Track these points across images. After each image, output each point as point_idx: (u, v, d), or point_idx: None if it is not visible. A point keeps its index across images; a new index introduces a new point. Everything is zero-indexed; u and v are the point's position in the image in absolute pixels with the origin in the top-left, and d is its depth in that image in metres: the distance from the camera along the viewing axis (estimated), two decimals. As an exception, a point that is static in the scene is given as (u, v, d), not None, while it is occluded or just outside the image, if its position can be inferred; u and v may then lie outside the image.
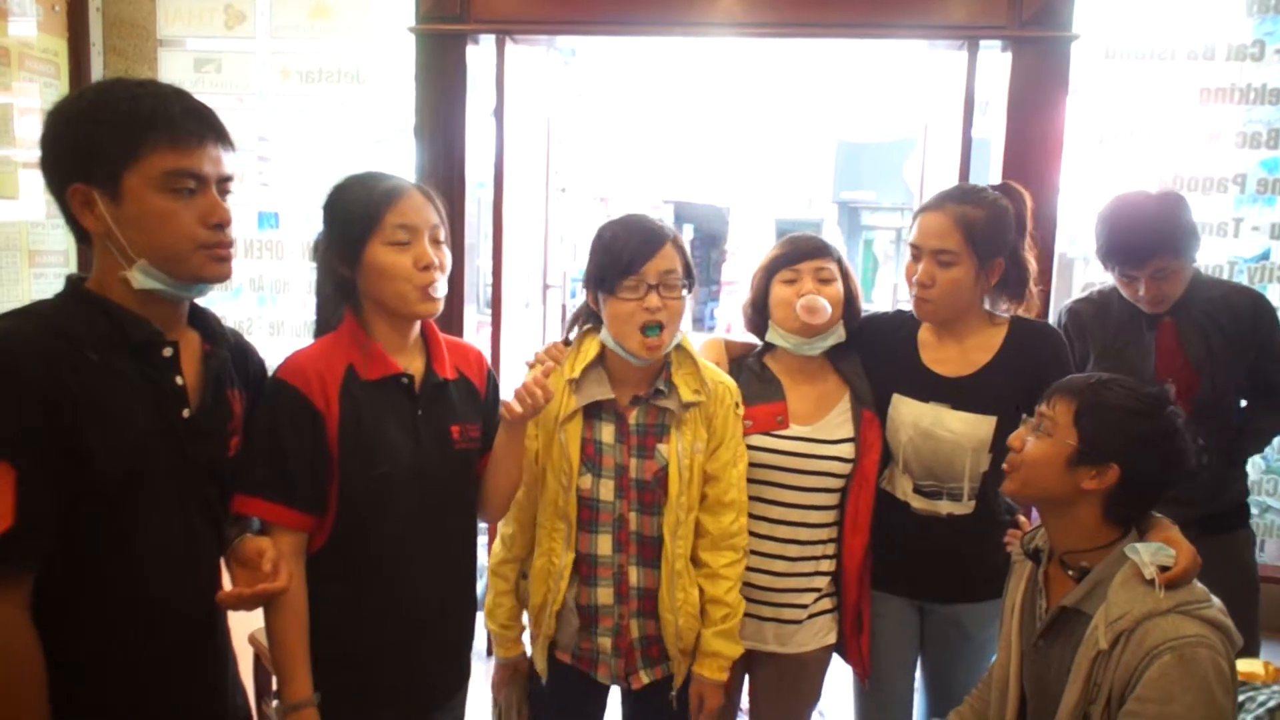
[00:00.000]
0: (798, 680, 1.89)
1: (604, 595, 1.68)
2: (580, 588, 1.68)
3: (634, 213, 1.67)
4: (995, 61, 2.84)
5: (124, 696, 1.19)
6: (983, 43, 2.81)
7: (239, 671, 1.43)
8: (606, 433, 1.65)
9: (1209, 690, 1.24)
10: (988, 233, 1.76)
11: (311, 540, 1.42)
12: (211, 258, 1.21)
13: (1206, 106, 2.98)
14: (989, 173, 2.87)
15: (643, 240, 1.58)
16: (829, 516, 1.84)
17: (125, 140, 1.13)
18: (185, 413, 1.23)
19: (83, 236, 1.20)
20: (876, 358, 1.88)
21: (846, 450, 1.81)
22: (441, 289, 1.45)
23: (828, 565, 1.86)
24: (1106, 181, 3.02)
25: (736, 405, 1.72)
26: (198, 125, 1.18)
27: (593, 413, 1.64)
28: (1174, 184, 3.01)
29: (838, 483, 1.82)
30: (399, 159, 3.06)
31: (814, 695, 1.94)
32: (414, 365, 1.50)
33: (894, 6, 2.77)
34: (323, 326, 1.53)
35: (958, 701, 1.85)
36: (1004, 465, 1.48)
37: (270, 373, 1.44)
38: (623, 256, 1.56)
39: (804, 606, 1.84)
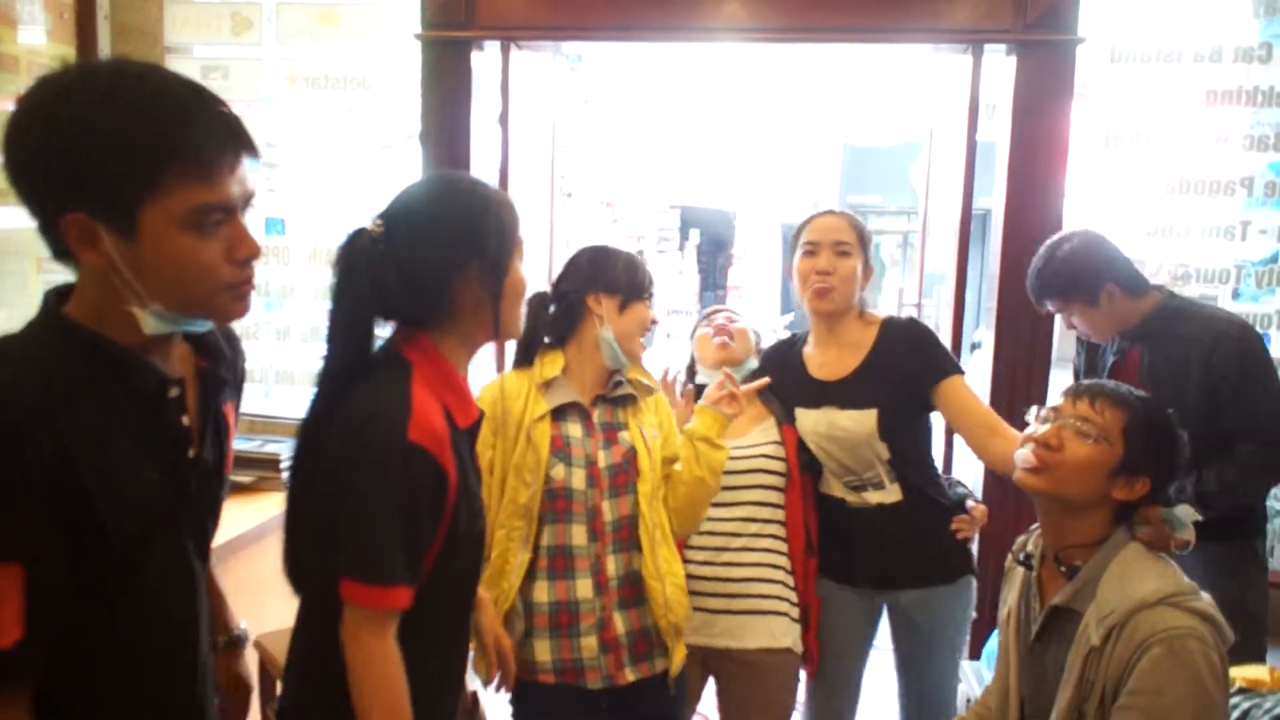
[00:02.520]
0: (760, 686, 1.97)
1: (583, 588, 1.70)
2: (556, 583, 1.70)
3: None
4: (1000, 65, 2.84)
5: None
6: (987, 46, 2.81)
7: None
8: (574, 429, 1.75)
9: (1200, 681, 1.25)
10: (867, 239, 2.05)
11: None
12: (235, 298, 1.02)
13: (1213, 109, 2.97)
14: (994, 176, 2.87)
15: (646, 265, 1.86)
16: (768, 514, 2.00)
17: (144, 167, 0.91)
18: (190, 453, 1.07)
19: (64, 254, 0.98)
20: (778, 380, 2.04)
21: (773, 449, 2.02)
22: None
23: (775, 561, 1.99)
24: (1113, 185, 3.02)
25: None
26: (229, 141, 0.98)
27: (559, 415, 1.74)
28: (1181, 187, 3.00)
29: (772, 480, 2.00)
30: (405, 165, 3.08)
31: (781, 710, 2.00)
32: None
33: (898, 11, 2.77)
34: (363, 347, 1.26)
35: (926, 693, 2.03)
36: (1033, 462, 1.44)
37: (388, 426, 1.15)
38: (647, 275, 1.83)
39: (751, 598, 1.96)
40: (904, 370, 1.98)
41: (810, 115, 13.25)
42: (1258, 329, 3.01)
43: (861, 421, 1.96)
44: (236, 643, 1.42)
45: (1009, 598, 1.57)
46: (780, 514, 2.02)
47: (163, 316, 0.99)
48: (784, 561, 2.01)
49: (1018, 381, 2.82)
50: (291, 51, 3.12)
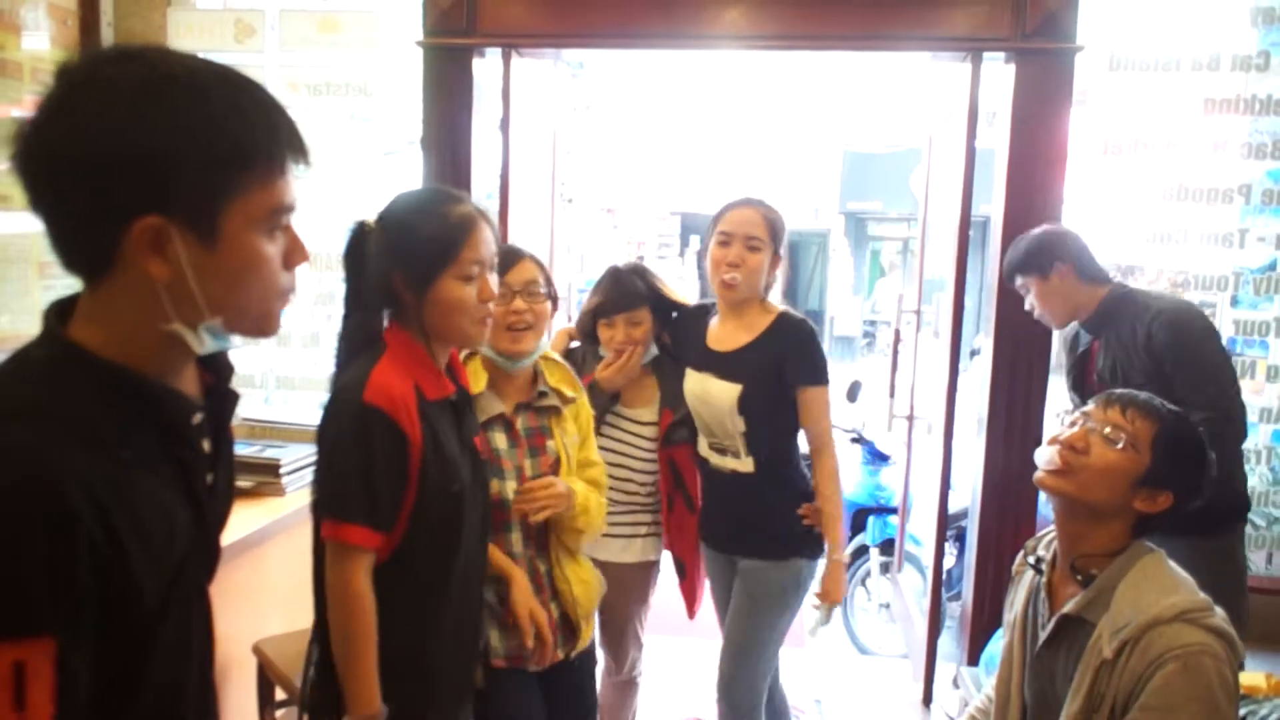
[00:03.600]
0: (631, 582, 2.40)
1: None
2: (500, 587, 1.78)
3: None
4: (1000, 72, 2.85)
5: None
6: (986, 54, 2.81)
7: None
8: (500, 440, 1.82)
9: (1213, 700, 1.24)
10: (779, 231, 2.22)
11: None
12: (284, 307, 0.96)
13: (1211, 117, 2.98)
14: (993, 183, 2.88)
15: (504, 256, 1.78)
16: (644, 478, 2.35)
17: (231, 166, 0.85)
18: (209, 478, 1.00)
19: (93, 271, 0.87)
20: (683, 340, 2.35)
21: (650, 431, 2.33)
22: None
23: (648, 506, 2.39)
24: (1111, 192, 3.03)
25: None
26: (296, 141, 0.93)
27: (486, 427, 1.80)
28: (1179, 194, 3.01)
29: (645, 452, 2.34)
30: (407, 171, 3.09)
31: (642, 596, 2.46)
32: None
33: (897, 18, 2.78)
34: (363, 337, 1.48)
35: (729, 650, 2.28)
36: (1058, 463, 1.43)
37: (346, 392, 1.43)
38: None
39: (630, 526, 2.37)
40: (777, 362, 2.18)
41: (811, 122, 13.28)
42: (1256, 336, 3.03)
43: (727, 392, 2.18)
44: None
45: (1016, 601, 1.57)
46: (653, 478, 2.37)
47: (216, 333, 0.90)
48: (654, 511, 2.40)
49: (1016, 388, 2.83)
50: (293, 58, 3.14)
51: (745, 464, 2.21)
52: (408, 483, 1.43)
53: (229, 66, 0.91)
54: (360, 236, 1.49)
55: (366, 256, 1.47)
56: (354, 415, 1.40)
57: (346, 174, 3.14)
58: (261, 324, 0.95)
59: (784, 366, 2.18)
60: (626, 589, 2.40)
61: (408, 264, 1.45)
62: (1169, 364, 2.21)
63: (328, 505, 1.42)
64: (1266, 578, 3.07)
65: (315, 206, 3.16)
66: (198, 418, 0.95)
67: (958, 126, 2.97)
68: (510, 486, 1.78)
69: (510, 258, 1.82)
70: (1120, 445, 1.40)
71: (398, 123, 3.14)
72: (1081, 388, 2.46)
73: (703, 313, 2.39)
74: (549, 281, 1.89)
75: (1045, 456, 1.45)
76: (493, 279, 1.51)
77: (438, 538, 1.48)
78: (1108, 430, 1.42)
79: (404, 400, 1.41)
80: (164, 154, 0.81)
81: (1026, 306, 2.48)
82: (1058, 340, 2.66)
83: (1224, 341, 2.48)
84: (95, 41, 3.01)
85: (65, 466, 0.79)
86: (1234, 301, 3.05)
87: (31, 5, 2.82)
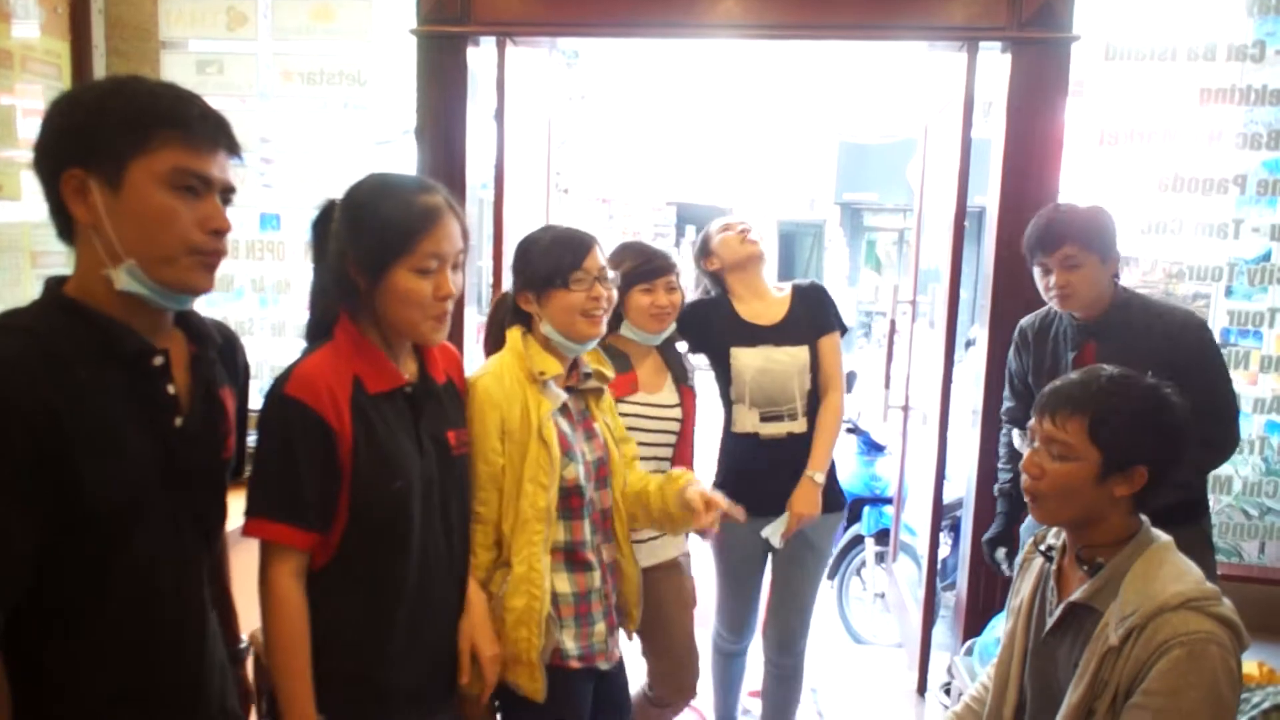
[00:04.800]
0: (668, 584, 2.32)
1: (595, 578, 1.75)
2: (576, 575, 1.72)
3: (553, 225, 1.90)
4: (996, 62, 2.84)
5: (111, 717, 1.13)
6: (982, 44, 2.81)
7: (235, 673, 1.39)
8: (566, 425, 1.74)
9: (1217, 687, 1.24)
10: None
11: (314, 557, 1.39)
12: (200, 265, 1.14)
13: (1207, 107, 2.97)
14: (989, 174, 2.88)
15: (580, 241, 1.76)
16: (664, 465, 2.29)
17: (137, 129, 1.08)
18: (178, 421, 1.17)
19: (65, 231, 1.13)
20: (707, 329, 2.50)
21: (676, 413, 2.32)
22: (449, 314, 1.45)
23: None
24: (1107, 182, 3.02)
25: None
26: (214, 129, 1.14)
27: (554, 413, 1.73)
28: (1174, 184, 3.01)
29: (669, 438, 2.31)
30: (401, 160, 3.07)
31: (688, 598, 2.39)
32: (409, 370, 1.49)
33: (893, 8, 2.77)
34: (320, 322, 1.47)
35: (796, 605, 2.47)
36: (1025, 495, 1.47)
37: (274, 384, 1.38)
38: (567, 255, 1.73)
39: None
40: (812, 319, 2.49)
41: (806, 112, 13.26)
42: (1250, 327, 3.04)
43: (795, 356, 2.44)
44: (234, 656, 1.45)
45: (1023, 588, 1.56)
46: (667, 465, 2.31)
47: (135, 275, 1.10)
48: None
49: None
50: (287, 47, 3.12)
51: (800, 424, 2.44)
52: (340, 479, 1.36)
53: (177, 86, 1.16)
54: (325, 216, 1.46)
55: (328, 237, 1.44)
56: (274, 408, 1.36)
57: (339, 163, 3.12)
58: (174, 273, 1.12)
59: (817, 323, 2.48)
60: (665, 594, 2.30)
61: (360, 247, 1.39)
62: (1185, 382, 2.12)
63: (249, 501, 1.35)
64: (1258, 567, 3.08)
65: (309, 197, 3.14)
66: (158, 360, 1.15)
67: (953, 117, 2.97)
68: (582, 471, 1.71)
69: (585, 245, 1.75)
70: (1063, 457, 1.39)
71: (392, 112, 3.12)
72: None
73: (711, 302, 2.56)
74: None
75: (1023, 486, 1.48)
76: (455, 277, 1.43)
77: (381, 539, 1.40)
78: (1049, 446, 1.42)
79: (330, 392, 1.35)
80: (88, 123, 1.08)
81: (1048, 284, 2.23)
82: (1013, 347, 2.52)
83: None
84: (86, 29, 2.99)
85: (15, 365, 1.01)
86: (1228, 292, 3.05)
87: (22, -7, 2.79)
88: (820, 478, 2.42)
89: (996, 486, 2.55)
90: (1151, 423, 1.38)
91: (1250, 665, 1.62)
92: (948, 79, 3.07)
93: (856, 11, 2.78)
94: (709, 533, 1.77)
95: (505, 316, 1.83)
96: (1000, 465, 2.57)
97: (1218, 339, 2.88)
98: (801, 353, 2.44)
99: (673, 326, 2.32)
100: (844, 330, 2.56)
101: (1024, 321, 2.49)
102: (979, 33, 2.77)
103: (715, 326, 2.49)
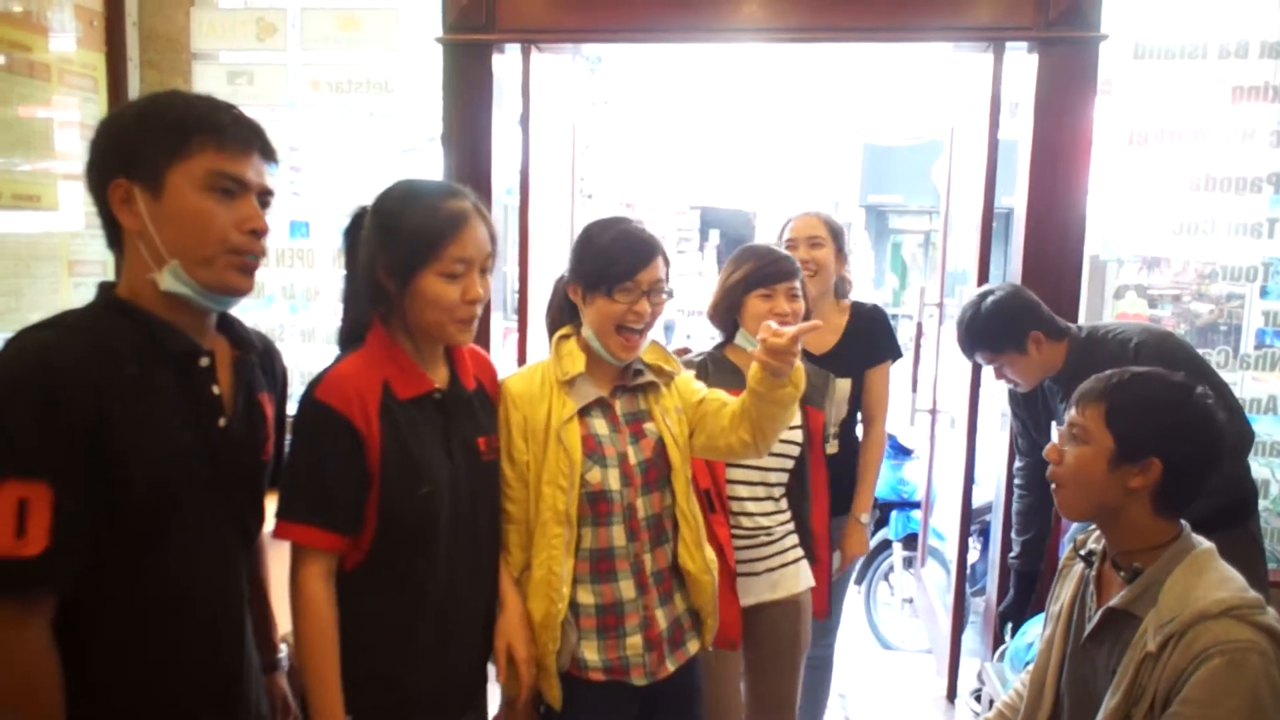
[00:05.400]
0: (793, 623, 2.17)
1: (626, 589, 1.66)
2: (600, 586, 1.66)
3: (625, 218, 1.74)
4: (1022, 62, 2.82)
5: (147, 715, 1.17)
6: (1009, 44, 2.79)
7: (264, 682, 1.42)
8: (600, 426, 1.68)
9: (1258, 697, 1.22)
10: (839, 230, 2.57)
11: (345, 559, 1.40)
12: (237, 265, 1.19)
13: (1239, 105, 2.93)
14: (1016, 175, 2.85)
15: (640, 249, 1.64)
16: (783, 489, 2.17)
17: (174, 138, 1.14)
18: (221, 421, 1.23)
19: (114, 241, 1.20)
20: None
21: (797, 435, 2.14)
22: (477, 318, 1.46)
23: (791, 524, 2.19)
24: (1137, 183, 2.99)
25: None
26: (247, 134, 1.20)
27: (585, 413, 1.67)
28: (1206, 184, 2.96)
29: (786, 463, 2.14)
30: (427, 167, 3.10)
31: (807, 640, 2.23)
32: (440, 377, 1.51)
33: (918, 9, 2.76)
34: (352, 328, 1.48)
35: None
36: (1051, 483, 1.49)
37: (307, 389, 1.40)
38: (621, 262, 1.63)
39: (785, 552, 2.16)
40: (866, 351, 2.50)
41: (830, 115, 13.21)
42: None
43: (840, 389, 2.41)
44: (271, 666, 1.49)
45: (1063, 593, 1.55)
46: (790, 485, 2.18)
47: (179, 276, 1.16)
48: (792, 523, 2.22)
49: (1041, 381, 2.80)
50: (315, 56, 3.15)
51: (832, 447, 2.42)
52: (369, 483, 1.38)
53: (212, 97, 1.22)
54: (356, 223, 1.48)
55: (359, 244, 1.46)
56: (304, 411, 1.38)
57: (367, 171, 3.16)
58: (214, 274, 1.17)
59: (867, 351, 2.49)
60: (783, 640, 2.17)
61: (390, 252, 1.41)
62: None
63: (279, 503, 1.37)
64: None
65: (338, 204, 3.18)
66: (204, 360, 1.21)
67: (980, 118, 2.95)
68: (614, 475, 1.64)
69: (645, 254, 1.63)
70: (1080, 440, 1.41)
71: (418, 119, 3.15)
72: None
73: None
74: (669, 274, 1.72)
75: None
76: (484, 281, 1.44)
77: (409, 543, 1.42)
78: (1070, 430, 1.44)
79: (360, 397, 1.37)
80: (130, 135, 1.16)
81: (994, 376, 2.41)
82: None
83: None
84: (120, 42, 3.05)
85: (67, 355, 1.07)
86: (1263, 292, 3.00)
87: (58, 7, 2.85)
88: (866, 518, 2.44)
89: (1010, 557, 2.62)
90: (1165, 414, 1.37)
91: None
92: (974, 80, 3.05)
93: (880, 13, 2.77)
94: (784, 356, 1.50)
95: (559, 301, 1.78)
96: (1014, 534, 2.61)
97: (1251, 341, 2.84)
98: (845, 385, 2.44)
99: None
100: (897, 357, 2.56)
101: (1011, 389, 2.52)
102: (1005, 33, 2.75)
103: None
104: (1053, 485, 1.48)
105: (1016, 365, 2.30)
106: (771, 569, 2.14)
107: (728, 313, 2.17)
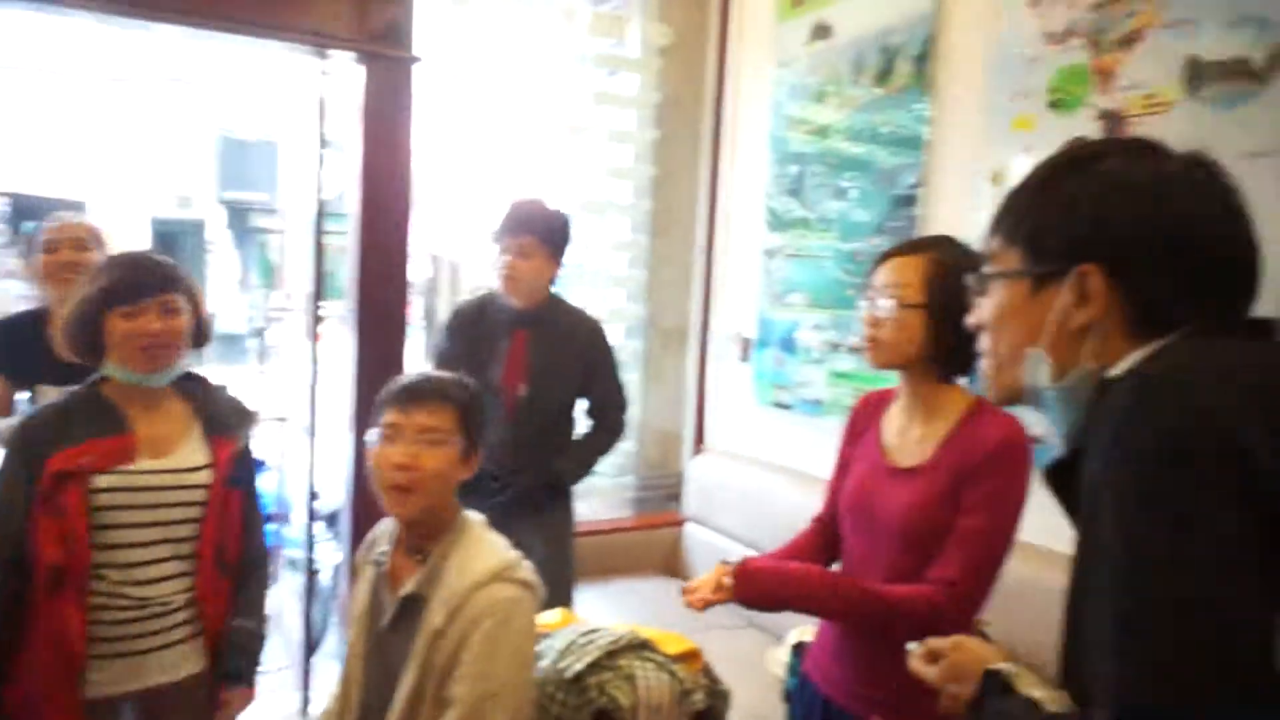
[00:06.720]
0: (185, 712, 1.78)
1: None
2: None
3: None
4: (354, 72, 2.89)
5: None
6: (335, 52, 2.83)
7: None
8: None
9: (523, 645, 1.42)
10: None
11: None
12: None
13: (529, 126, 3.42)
14: (348, 178, 2.92)
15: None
16: (189, 543, 1.75)
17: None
18: None
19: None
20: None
21: (204, 477, 1.75)
22: None
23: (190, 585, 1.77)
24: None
25: None
26: None
27: None
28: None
29: (197, 511, 1.74)
30: None
31: None
32: None
33: (250, 5, 2.64)
34: None
35: None
36: None
37: None
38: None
39: (187, 624, 1.76)
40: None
41: (179, 102, 12.15)
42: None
43: None
44: None
45: (359, 595, 1.58)
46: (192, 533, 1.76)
47: None
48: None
49: (377, 384, 2.90)
50: None
51: None
52: None
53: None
54: None
55: None
56: None
57: None
58: None
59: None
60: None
61: None
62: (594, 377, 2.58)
63: None
64: None
65: None
66: None
67: (310, 120, 2.95)
68: None
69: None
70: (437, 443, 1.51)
71: None
72: (492, 373, 2.50)
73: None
74: None
75: None
76: None
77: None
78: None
79: None
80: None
81: (501, 265, 2.44)
82: None
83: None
84: None
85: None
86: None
87: None
88: None
89: None
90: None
91: (556, 613, 1.87)
92: (306, 82, 3.04)
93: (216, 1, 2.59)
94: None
95: None
96: None
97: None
98: None
99: (185, 362, 1.79)
100: None
101: (460, 305, 2.67)
102: (331, 40, 2.78)
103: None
104: None
105: (539, 266, 2.43)
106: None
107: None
